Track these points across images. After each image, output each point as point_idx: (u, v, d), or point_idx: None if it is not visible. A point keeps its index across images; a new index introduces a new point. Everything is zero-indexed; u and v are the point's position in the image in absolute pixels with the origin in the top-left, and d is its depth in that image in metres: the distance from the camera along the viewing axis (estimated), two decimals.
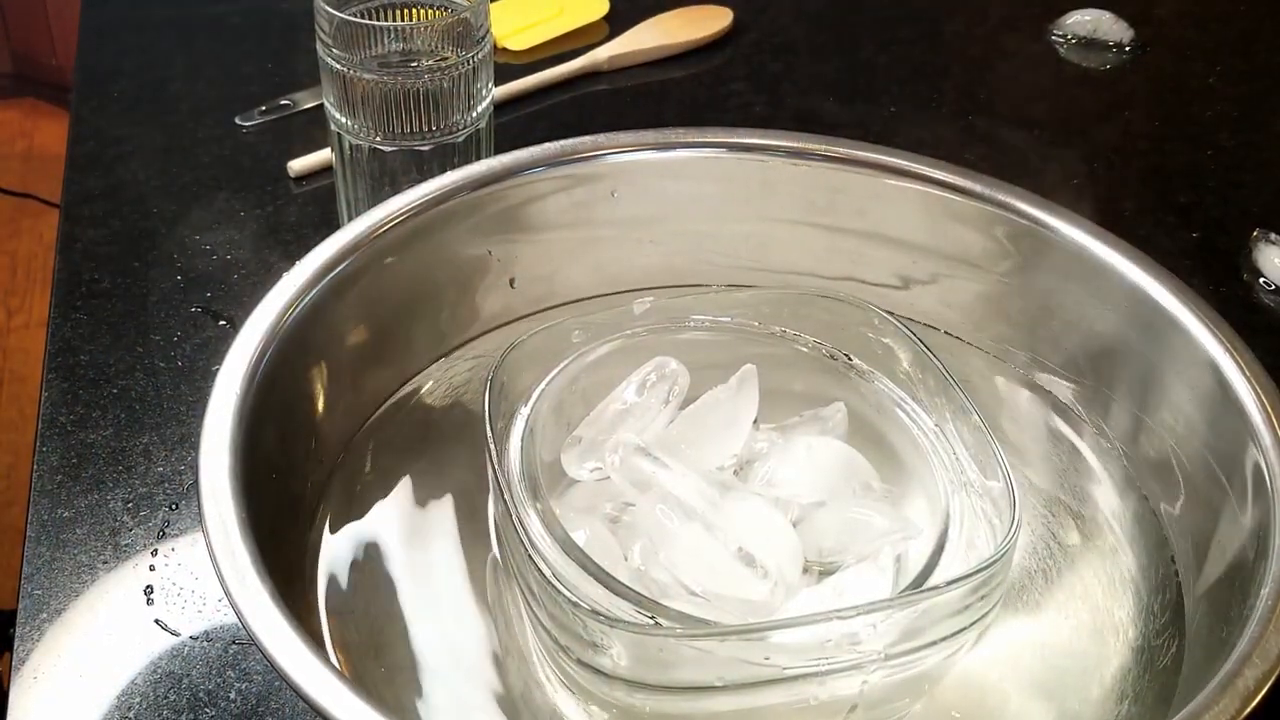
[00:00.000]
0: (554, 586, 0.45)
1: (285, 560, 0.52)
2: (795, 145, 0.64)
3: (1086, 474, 0.59)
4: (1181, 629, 0.53)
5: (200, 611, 0.56)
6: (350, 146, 0.68)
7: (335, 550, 0.55)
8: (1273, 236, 0.76)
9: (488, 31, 0.66)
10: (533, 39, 0.93)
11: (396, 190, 0.61)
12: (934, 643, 0.46)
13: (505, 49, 0.92)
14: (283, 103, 0.85)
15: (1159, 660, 0.52)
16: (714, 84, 0.91)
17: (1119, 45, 0.95)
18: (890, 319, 0.55)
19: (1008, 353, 0.64)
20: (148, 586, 0.57)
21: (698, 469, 0.50)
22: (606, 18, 0.96)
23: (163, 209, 0.77)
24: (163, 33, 0.93)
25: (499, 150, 0.64)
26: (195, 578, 0.57)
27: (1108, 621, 0.54)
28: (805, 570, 0.49)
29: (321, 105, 0.69)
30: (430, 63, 0.65)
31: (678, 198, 0.64)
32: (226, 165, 0.81)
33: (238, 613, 0.44)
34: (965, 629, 0.46)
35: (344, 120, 0.67)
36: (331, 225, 0.71)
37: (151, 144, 0.82)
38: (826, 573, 0.50)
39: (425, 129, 0.66)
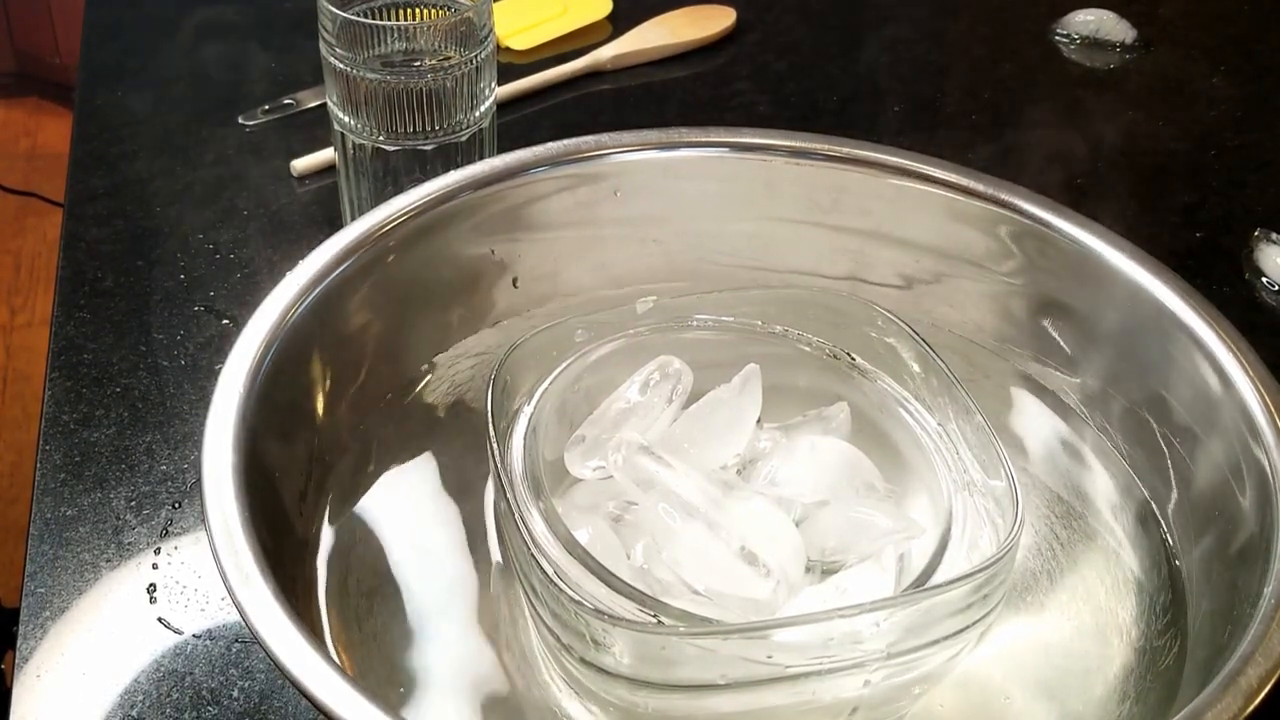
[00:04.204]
0: (556, 585, 0.45)
1: (288, 559, 0.52)
2: (798, 145, 0.64)
3: (1089, 473, 0.59)
4: (1184, 628, 0.53)
5: (203, 610, 0.56)
6: (353, 146, 0.68)
7: (338, 549, 0.55)
8: (1274, 236, 0.76)
9: (491, 31, 0.66)
10: (536, 38, 0.93)
11: (399, 190, 0.61)
12: (936, 642, 0.46)
13: (508, 48, 0.92)
14: (286, 102, 0.85)
15: (1161, 660, 0.52)
16: (717, 83, 0.91)
17: (1122, 45, 0.95)
18: (893, 319, 0.55)
19: (1011, 352, 0.63)
20: (151, 585, 0.57)
21: (701, 468, 0.50)
22: (609, 17, 0.96)
23: (166, 208, 0.77)
24: (166, 32, 0.93)
25: (502, 150, 0.64)
26: (198, 576, 0.57)
27: (1110, 621, 0.54)
28: (808, 569, 0.49)
29: (324, 105, 0.69)
30: (433, 62, 0.65)
31: (681, 197, 0.64)
32: (230, 164, 0.81)
33: (240, 611, 0.44)
34: (967, 628, 0.46)
35: (347, 120, 0.67)
36: (334, 224, 0.71)
37: (155, 143, 0.82)
38: (829, 572, 0.50)
39: (428, 128, 0.66)
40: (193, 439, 0.63)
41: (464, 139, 0.67)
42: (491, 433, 0.49)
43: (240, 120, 0.84)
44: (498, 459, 0.49)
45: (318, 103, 0.84)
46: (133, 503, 0.60)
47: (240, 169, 0.80)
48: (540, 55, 0.92)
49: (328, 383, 0.57)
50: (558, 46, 0.93)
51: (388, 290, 0.59)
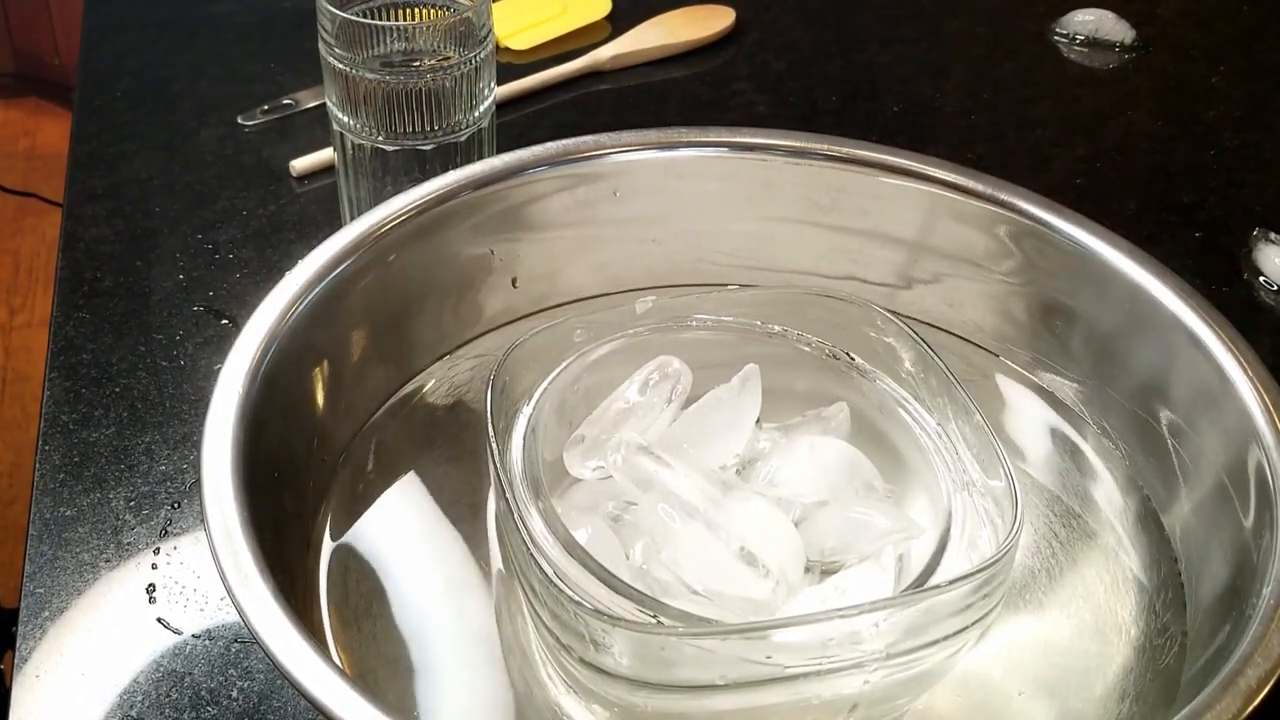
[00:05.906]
0: (556, 585, 0.45)
1: (287, 559, 0.52)
2: (798, 144, 0.64)
3: (1088, 473, 0.59)
4: (1183, 628, 0.53)
5: (202, 610, 0.56)
6: (352, 146, 0.68)
7: (337, 549, 0.55)
8: (1273, 236, 0.76)
9: (490, 31, 0.66)
10: (535, 38, 0.93)
11: (398, 190, 0.61)
12: (936, 641, 0.46)
13: (507, 48, 0.92)
14: (285, 102, 0.85)
15: (1161, 659, 0.52)
16: (716, 83, 0.91)
17: (1121, 45, 0.95)
18: (893, 318, 0.55)
19: (1010, 352, 0.64)
20: (150, 585, 0.57)
21: (700, 468, 0.50)
22: (609, 17, 0.96)
23: (165, 208, 0.77)
24: (165, 32, 0.93)
25: (501, 150, 0.64)
26: (197, 576, 0.57)
27: (1110, 620, 0.54)
28: (807, 569, 0.49)
29: (324, 105, 0.69)
30: (432, 62, 0.65)
31: (680, 197, 0.64)
32: (229, 164, 0.81)
33: (240, 611, 0.44)
34: (967, 628, 0.46)
35: (346, 120, 0.67)
36: (334, 225, 0.71)
37: (154, 143, 0.82)
38: (828, 572, 0.50)
39: (427, 128, 0.66)
40: (192, 439, 0.63)
41: (463, 139, 0.67)
42: (491, 433, 0.49)
43: (240, 120, 0.84)
44: (497, 459, 0.49)
45: (317, 103, 0.84)
46: (132, 503, 0.60)
47: (240, 169, 0.80)
48: (539, 55, 0.92)
49: (327, 383, 0.57)
50: (557, 46, 0.93)
51: (387, 290, 0.59)
